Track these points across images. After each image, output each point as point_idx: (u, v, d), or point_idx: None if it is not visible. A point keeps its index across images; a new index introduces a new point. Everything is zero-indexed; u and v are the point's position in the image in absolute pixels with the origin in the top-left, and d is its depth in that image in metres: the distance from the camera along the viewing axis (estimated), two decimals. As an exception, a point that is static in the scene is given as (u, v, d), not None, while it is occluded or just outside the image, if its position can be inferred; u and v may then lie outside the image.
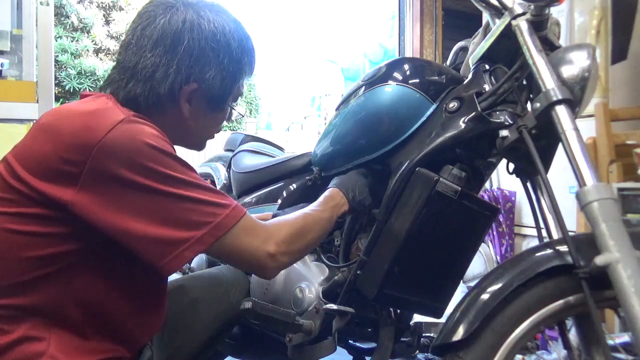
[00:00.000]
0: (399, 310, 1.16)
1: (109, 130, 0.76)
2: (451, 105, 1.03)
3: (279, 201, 1.35)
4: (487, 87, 1.01)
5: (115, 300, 0.85)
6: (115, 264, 0.83)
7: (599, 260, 0.76)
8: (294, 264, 1.19)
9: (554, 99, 0.86)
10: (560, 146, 0.89)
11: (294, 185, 1.35)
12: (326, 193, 1.09)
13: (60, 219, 0.77)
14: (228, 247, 0.83)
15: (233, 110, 1.03)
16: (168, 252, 0.78)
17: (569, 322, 0.89)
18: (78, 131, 0.77)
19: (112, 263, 0.83)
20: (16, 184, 0.77)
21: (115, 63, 0.92)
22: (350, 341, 1.27)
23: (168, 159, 0.79)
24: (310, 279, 1.15)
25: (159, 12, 0.88)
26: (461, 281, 1.10)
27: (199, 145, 1.02)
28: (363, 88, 1.15)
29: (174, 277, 1.15)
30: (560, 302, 0.82)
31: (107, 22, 7.75)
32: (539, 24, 0.96)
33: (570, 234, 0.83)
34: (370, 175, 1.14)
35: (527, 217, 2.51)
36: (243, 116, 1.10)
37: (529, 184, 1.05)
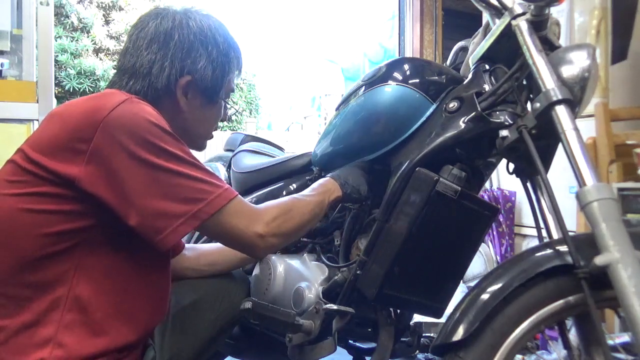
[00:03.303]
0: (399, 310, 1.16)
1: (113, 108, 0.82)
2: (451, 105, 1.03)
3: (279, 201, 1.34)
4: (487, 87, 1.01)
5: (125, 279, 0.88)
6: (125, 243, 0.86)
7: (599, 260, 0.76)
8: (294, 264, 1.20)
9: (554, 99, 0.86)
10: (560, 146, 0.89)
11: (294, 185, 1.35)
12: (317, 181, 1.11)
13: (71, 197, 0.81)
14: (219, 225, 0.88)
15: (229, 109, 1.08)
16: (166, 225, 0.82)
17: (569, 322, 0.89)
18: (86, 111, 0.83)
19: (122, 241, 0.86)
20: (29, 166, 0.82)
21: (115, 69, 0.99)
22: (350, 341, 1.27)
23: (167, 136, 0.84)
24: (310, 279, 1.15)
25: (151, 19, 0.98)
26: (461, 281, 1.10)
27: (198, 144, 1.06)
28: (363, 88, 1.15)
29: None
30: (560, 302, 0.82)
31: (107, 22, 7.74)
32: (539, 24, 0.96)
33: (570, 234, 0.83)
34: (368, 168, 1.14)
35: (527, 217, 2.51)
36: (237, 111, 1.14)
37: (529, 184, 1.05)
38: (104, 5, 7.71)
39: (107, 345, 0.84)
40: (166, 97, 0.95)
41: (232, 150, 1.70)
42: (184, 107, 0.98)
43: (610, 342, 1.11)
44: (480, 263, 2.44)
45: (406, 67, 1.12)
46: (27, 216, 0.81)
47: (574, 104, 0.89)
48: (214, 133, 1.09)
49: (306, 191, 1.06)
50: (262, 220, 0.92)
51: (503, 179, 2.62)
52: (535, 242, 1.00)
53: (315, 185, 1.09)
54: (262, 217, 0.92)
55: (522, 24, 0.93)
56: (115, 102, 0.83)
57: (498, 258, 2.49)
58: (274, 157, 1.58)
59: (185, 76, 0.95)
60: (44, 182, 0.81)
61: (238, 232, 0.89)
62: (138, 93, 0.93)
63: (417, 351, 1.19)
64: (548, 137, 0.94)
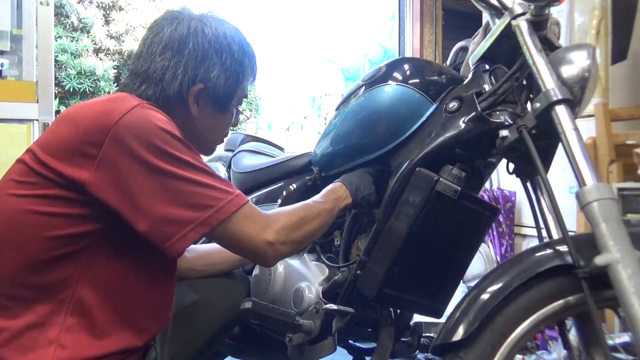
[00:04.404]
0: (399, 310, 1.16)
1: (124, 114, 0.82)
2: (451, 105, 1.03)
3: (279, 201, 1.35)
4: (487, 87, 1.01)
5: (130, 285, 0.88)
6: (131, 248, 0.86)
7: (599, 260, 0.76)
8: (294, 264, 1.20)
9: (554, 98, 0.86)
10: (560, 146, 0.89)
11: (294, 185, 1.35)
12: (329, 186, 1.10)
13: (79, 201, 0.81)
14: (229, 232, 0.87)
15: (239, 115, 1.08)
16: (175, 232, 0.82)
17: (569, 322, 0.89)
18: (97, 115, 0.83)
19: (128, 247, 0.86)
20: (39, 168, 0.82)
21: (128, 72, 0.99)
22: (350, 341, 1.27)
23: (177, 143, 0.84)
24: (310, 279, 1.15)
25: (166, 23, 0.97)
26: (461, 281, 1.10)
27: (207, 149, 1.07)
28: (363, 88, 1.15)
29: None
30: (560, 302, 0.82)
31: (107, 22, 7.73)
32: (539, 24, 0.96)
33: (570, 234, 0.83)
34: (377, 174, 1.14)
35: (527, 217, 2.51)
36: (248, 118, 1.13)
37: (529, 184, 1.05)
38: (104, 5, 7.70)
39: (109, 348, 0.84)
40: (178, 103, 0.95)
41: (232, 150, 1.70)
42: (195, 114, 0.97)
43: (610, 342, 1.12)
44: (480, 263, 2.44)
45: (406, 67, 1.12)
46: (34, 218, 0.81)
47: (574, 104, 0.89)
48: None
49: (317, 197, 1.06)
50: (273, 227, 0.91)
51: (503, 179, 2.62)
52: (535, 242, 1.00)
53: (326, 190, 1.08)
54: (272, 224, 0.91)
55: (522, 24, 0.93)
56: (126, 107, 0.83)
57: (498, 258, 2.49)
58: (274, 157, 1.58)
59: (197, 84, 0.95)
60: (53, 184, 0.81)
61: (247, 239, 0.88)
62: (150, 98, 0.93)
63: (417, 351, 1.19)
64: (548, 137, 0.94)
